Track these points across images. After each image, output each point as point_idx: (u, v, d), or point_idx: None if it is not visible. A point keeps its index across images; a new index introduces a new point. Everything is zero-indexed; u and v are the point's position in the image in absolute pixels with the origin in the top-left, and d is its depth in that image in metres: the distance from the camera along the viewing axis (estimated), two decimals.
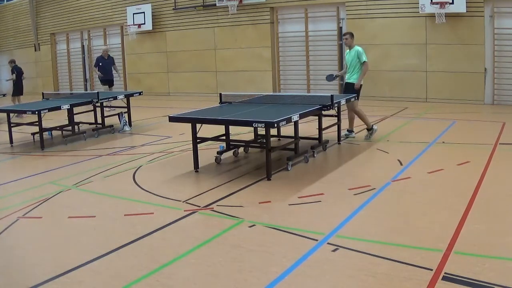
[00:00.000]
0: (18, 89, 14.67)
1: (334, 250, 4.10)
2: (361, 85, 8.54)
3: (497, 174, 6.19)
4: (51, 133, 10.17)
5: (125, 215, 5.22)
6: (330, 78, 9.27)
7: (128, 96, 11.08)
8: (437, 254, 3.89)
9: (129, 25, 17.94)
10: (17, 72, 14.72)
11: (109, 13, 19.09)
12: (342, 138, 8.54)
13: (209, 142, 7.56)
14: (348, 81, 8.70)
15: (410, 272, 3.64)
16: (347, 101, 8.42)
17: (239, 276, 3.75)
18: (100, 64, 14.47)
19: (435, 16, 12.47)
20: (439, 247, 4.02)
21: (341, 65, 14.58)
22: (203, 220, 5.07)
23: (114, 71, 14.74)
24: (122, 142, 9.62)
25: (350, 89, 8.60)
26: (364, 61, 8.41)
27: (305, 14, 14.97)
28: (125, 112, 10.96)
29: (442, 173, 6.33)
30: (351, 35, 8.61)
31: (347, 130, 8.87)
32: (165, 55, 17.88)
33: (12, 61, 15.04)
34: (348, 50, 8.74)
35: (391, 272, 3.66)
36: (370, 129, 8.58)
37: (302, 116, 6.80)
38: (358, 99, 8.56)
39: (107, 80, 14.48)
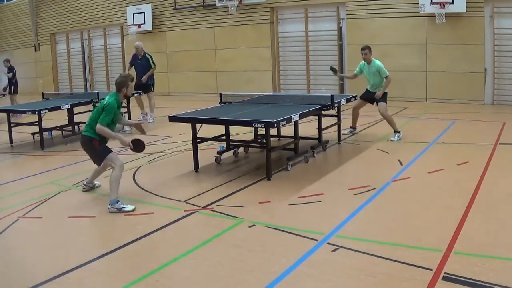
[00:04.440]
0: (16, 88, 14.65)
1: (334, 250, 4.10)
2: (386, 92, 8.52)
3: (497, 174, 6.19)
4: (51, 133, 10.16)
5: (125, 215, 5.22)
6: (333, 70, 9.13)
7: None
8: (437, 254, 3.89)
9: (129, 25, 17.94)
10: (14, 72, 14.70)
11: (109, 13, 19.09)
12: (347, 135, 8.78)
13: (209, 142, 7.55)
14: (373, 91, 8.60)
15: (410, 272, 3.64)
16: (347, 101, 8.46)
17: (239, 276, 3.75)
18: (132, 65, 11.51)
19: (435, 16, 12.46)
20: (439, 247, 4.02)
21: (341, 66, 14.59)
22: (203, 220, 5.07)
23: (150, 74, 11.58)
24: None
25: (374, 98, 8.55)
26: (387, 76, 8.39)
27: (305, 14, 14.96)
28: (125, 112, 10.95)
29: (442, 173, 6.33)
30: (370, 49, 8.47)
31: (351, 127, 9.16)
32: (165, 55, 17.87)
33: (7, 60, 14.94)
34: (364, 63, 8.60)
35: (391, 272, 3.66)
36: (397, 132, 8.50)
37: (302, 116, 6.80)
38: (386, 103, 8.54)
39: (138, 86, 11.16)
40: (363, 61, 8.66)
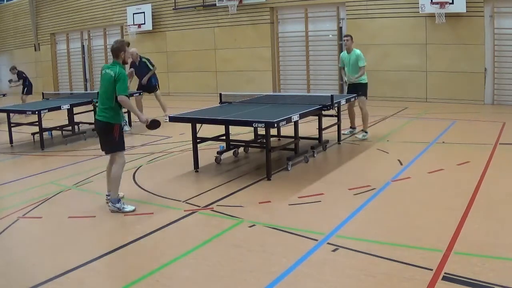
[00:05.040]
0: (30, 89, 15.13)
1: (334, 250, 4.10)
2: (366, 83, 8.72)
3: (497, 174, 6.19)
4: (51, 133, 10.17)
5: (125, 215, 5.22)
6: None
7: (127, 96, 11.03)
8: (437, 254, 3.89)
9: (129, 25, 17.94)
10: (24, 76, 15.16)
11: (109, 13, 19.09)
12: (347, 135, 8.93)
13: (209, 142, 7.55)
14: (354, 82, 8.75)
15: (410, 272, 3.64)
16: (347, 101, 8.46)
17: (239, 276, 3.75)
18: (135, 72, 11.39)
19: (435, 16, 12.46)
20: (439, 247, 4.02)
21: None
22: (203, 220, 5.07)
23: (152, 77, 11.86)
24: None
25: (358, 89, 8.68)
26: (363, 66, 8.57)
27: (305, 14, 14.96)
28: (125, 112, 10.94)
29: (442, 173, 6.33)
30: (352, 38, 8.72)
31: (351, 128, 9.25)
32: (165, 55, 17.88)
33: (14, 67, 15.39)
34: (345, 52, 8.82)
35: (391, 272, 3.66)
36: (365, 131, 8.72)
37: (302, 116, 6.80)
38: (366, 98, 8.78)
39: (141, 87, 11.69)
40: (343, 52, 8.95)
